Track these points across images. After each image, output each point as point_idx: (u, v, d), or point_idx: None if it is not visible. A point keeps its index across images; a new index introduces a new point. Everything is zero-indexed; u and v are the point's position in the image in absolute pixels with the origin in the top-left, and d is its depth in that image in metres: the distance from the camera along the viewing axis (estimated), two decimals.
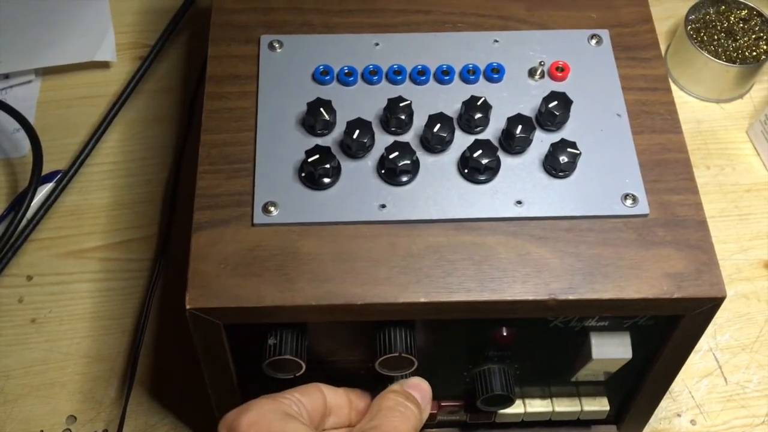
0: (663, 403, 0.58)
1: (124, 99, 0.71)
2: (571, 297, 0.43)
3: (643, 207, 0.46)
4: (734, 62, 0.71)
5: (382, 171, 0.47)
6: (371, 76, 0.50)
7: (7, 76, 0.73)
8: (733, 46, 0.72)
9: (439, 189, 0.46)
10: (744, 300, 0.64)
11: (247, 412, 0.41)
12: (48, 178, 0.67)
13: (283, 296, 0.43)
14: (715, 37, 0.72)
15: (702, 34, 0.72)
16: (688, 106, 0.74)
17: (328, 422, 0.45)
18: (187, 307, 0.43)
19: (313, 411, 0.44)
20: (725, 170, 0.71)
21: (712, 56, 0.70)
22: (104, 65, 0.74)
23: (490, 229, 0.45)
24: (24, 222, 0.64)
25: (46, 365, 0.60)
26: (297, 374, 0.46)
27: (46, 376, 0.60)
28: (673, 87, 0.74)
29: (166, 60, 0.75)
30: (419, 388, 0.47)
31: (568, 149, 0.46)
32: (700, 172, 0.70)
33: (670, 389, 0.53)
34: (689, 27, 0.72)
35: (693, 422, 0.60)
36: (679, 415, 0.60)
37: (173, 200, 0.67)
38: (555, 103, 0.48)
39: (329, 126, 0.48)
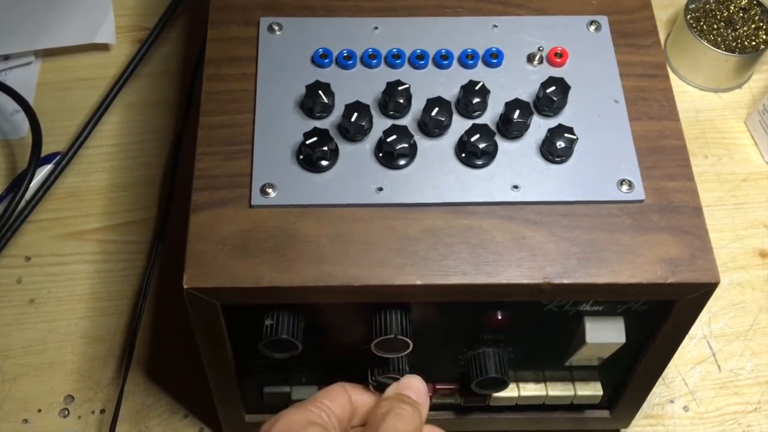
0: (656, 389, 0.58)
1: (124, 81, 0.71)
2: (565, 281, 0.44)
3: (638, 193, 0.46)
4: (733, 52, 0.71)
5: (380, 154, 0.47)
6: (370, 59, 0.50)
7: (6, 58, 0.73)
8: (732, 36, 0.72)
9: (436, 173, 0.47)
10: (739, 288, 0.65)
11: (276, 423, 0.42)
12: (47, 160, 0.67)
13: (281, 277, 0.43)
14: (715, 26, 0.72)
15: (702, 23, 0.72)
16: (687, 95, 0.74)
17: (354, 421, 0.46)
18: (185, 286, 0.43)
19: (342, 414, 0.45)
20: (723, 159, 0.71)
21: (711, 45, 0.70)
22: (104, 47, 0.74)
23: (486, 213, 0.46)
24: (23, 203, 0.64)
25: (45, 345, 0.61)
26: (293, 354, 0.46)
27: (44, 356, 0.60)
28: (673, 76, 0.74)
29: (165, 43, 0.75)
30: (411, 386, 0.47)
31: (565, 134, 0.47)
32: (698, 161, 0.70)
33: (663, 376, 0.53)
34: (689, 16, 0.72)
35: (686, 408, 0.60)
36: (672, 401, 0.60)
37: (172, 182, 0.67)
38: (553, 88, 0.48)
39: (328, 109, 0.48)
